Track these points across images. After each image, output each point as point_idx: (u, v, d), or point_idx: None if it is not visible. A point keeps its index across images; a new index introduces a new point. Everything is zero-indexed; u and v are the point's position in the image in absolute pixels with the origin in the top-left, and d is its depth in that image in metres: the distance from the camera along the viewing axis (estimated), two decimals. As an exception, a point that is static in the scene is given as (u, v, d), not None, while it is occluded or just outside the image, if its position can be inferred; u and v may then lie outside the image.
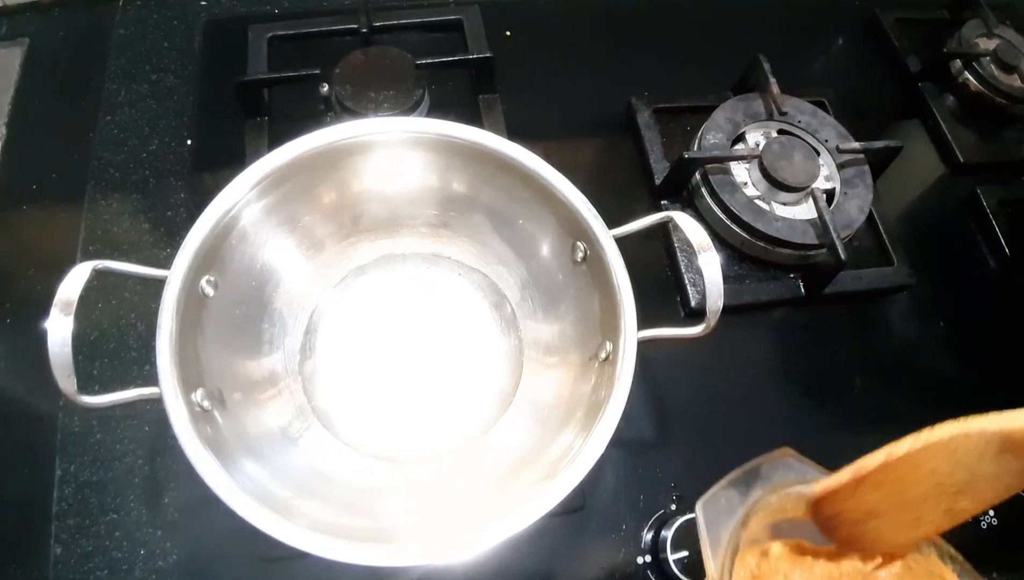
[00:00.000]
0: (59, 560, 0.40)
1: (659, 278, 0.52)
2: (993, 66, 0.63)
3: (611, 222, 0.40)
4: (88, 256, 0.33)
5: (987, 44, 0.64)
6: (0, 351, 0.46)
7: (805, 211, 0.53)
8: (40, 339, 0.32)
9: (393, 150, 0.42)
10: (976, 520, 0.47)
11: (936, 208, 0.60)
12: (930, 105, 0.63)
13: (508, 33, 0.61)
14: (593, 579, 0.42)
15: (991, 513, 0.47)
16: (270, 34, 0.57)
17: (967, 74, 0.64)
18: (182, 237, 0.36)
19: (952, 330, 0.55)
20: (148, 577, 0.40)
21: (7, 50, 0.56)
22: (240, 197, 0.37)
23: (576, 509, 0.43)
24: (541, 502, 0.32)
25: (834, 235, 0.49)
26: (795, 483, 0.33)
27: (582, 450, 0.33)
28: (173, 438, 0.41)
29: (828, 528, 0.31)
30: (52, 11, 0.59)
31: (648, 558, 0.42)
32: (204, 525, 0.41)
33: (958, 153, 0.61)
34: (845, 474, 0.30)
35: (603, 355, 0.38)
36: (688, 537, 0.41)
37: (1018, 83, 0.63)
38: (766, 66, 0.56)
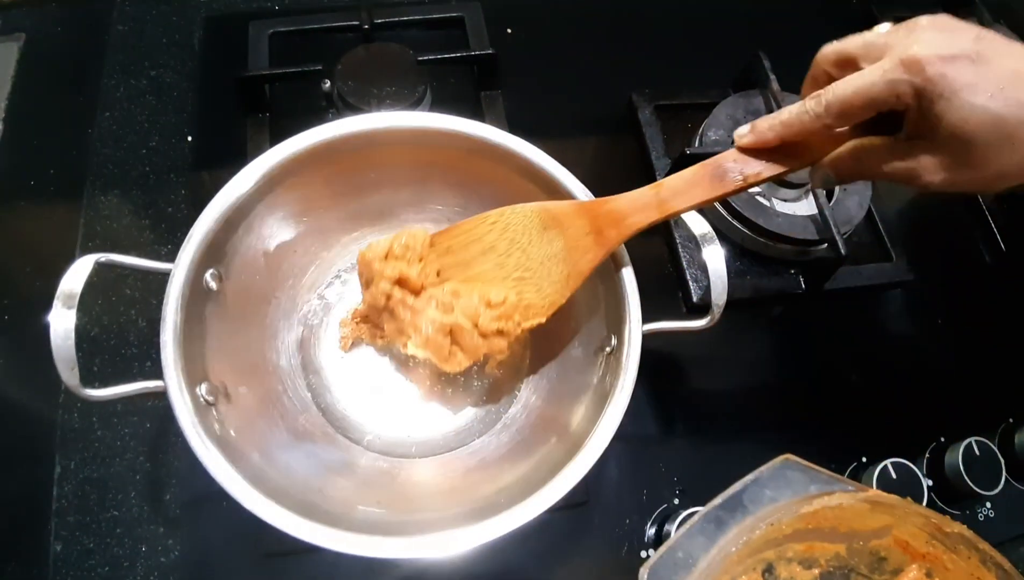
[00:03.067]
0: (59, 557, 0.39)
1: (661, 274, 0.53)
2: (989, 64, 0.63)
3: (614, 217, 0.40)
4: (87, 252, 0.33)
5: (983, 43, 0.65)
6: (-1, 348, 0.45)
7: (805, 207, 0.53)
8: (39, 335, 0.32)
9: (396, 146, 0.42)
10: (974, 511, 0.47)
11: (934, 204, 0.60)
12: (927, 103, 0.63)
13: (509, 30, 0.62)
14: (596, 574, 0.43)
15: (988, 505, 0.47)
16: (271, 30, 0.57)
17: (964, 72, 0.64)
18: (182, 234, 0.36)
19: (949, 324, 0.55)
20: (150, 574, 0.39)
21: (3, 45, 0.56)
22: (246, 190, 0.37)
23: (580, 503, 0.43)
24: (545, 496, 0.32)
25: (834, 231, 0.50)
26: (789, 506, 0.30)
27: (586, 444, 0.33)
28: (174, 434, 0.42)
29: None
30: (49, 6, 0.58)
31: (652, 552, 0.42)
32: (206, 521, 0.41)
33: (955, 150, 0.61)
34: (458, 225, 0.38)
35: (608, 348, 0.38)
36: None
37: (1013, 81, 0.63)
38: (766, 63, 0.56)
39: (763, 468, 0.32)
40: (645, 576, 0.30)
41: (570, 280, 0.37)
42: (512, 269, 0.37)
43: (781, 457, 0.32)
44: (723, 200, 0.52)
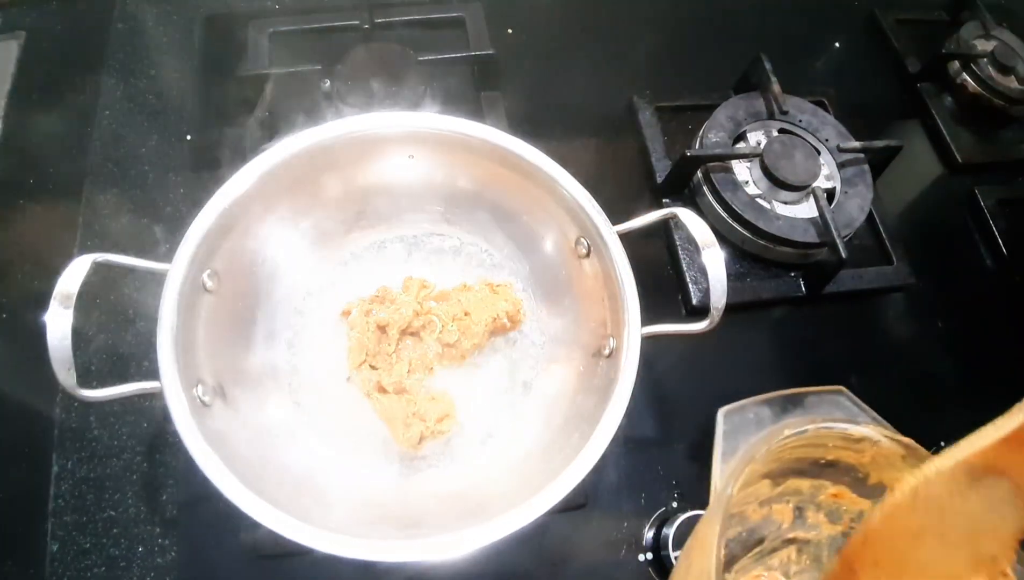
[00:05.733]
0: (56, 557, 0.39)
1: (661, 277, 0.52)
2: (991, 67, 0.63)
3: (613, 220, 0.40)
4: (86, 252, 0.33)
5: (985, 46, 0.65)
6: (-4, 346, 0.45)
7: (806, 210, 0.53)
8: (37, 335, 0.32)
9: (396, 146, 0.42)
10: None
11: (935, 208, 0.60)
12: (929, 106, 0.63)
13: (510, 30, 0.61)
14: (595, 576, 0.42)
15: None
16: (271, 29, 0.57)
17: (965, 75, 0.64)
18: (181, 233, 0.36)
19: (950, 328, 0.55)
20: (146, 574, 0.39)
21: (4, 43, 0.56)
22: (244, 190, 0.37)
23: (578, 506, 0.43)
24: (543, 499, 0.32)
25: (835, 234, 0.49)
26: (841, 421, 0.33)
27: (585, 446, 0.33)
28: (171, 434, 0.41)
29: None
30: (49, 4, 0.58)
31: (650, 555, 0.42)
32: (202, 522, 0.40)
33: (956, 153, 0.61)
34: (833, 562, 0.31)
35: (607, 351, 0.38)
36: (690, 535, 0.41)
37: (1015, 84, 0.63)
38: (767, 65, 0.56)
39: (819, 388, 0.34)
40: (721, 417, 0.32)
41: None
42: (954, 537, 0.28)
43: (836, 386, 0.34)
44: (726, 206, 0.52)
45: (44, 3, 0.58)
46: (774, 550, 0.37)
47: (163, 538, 0.40)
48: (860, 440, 0.33)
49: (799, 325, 0.53)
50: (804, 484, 0.35)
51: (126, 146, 0.53)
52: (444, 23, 0.59)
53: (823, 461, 0.33)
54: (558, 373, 0.43)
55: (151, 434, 0.43)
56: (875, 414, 0.33)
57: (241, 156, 0.51)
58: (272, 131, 0.53)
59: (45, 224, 0.50)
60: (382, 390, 0.41)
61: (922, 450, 0.33)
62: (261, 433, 0.37)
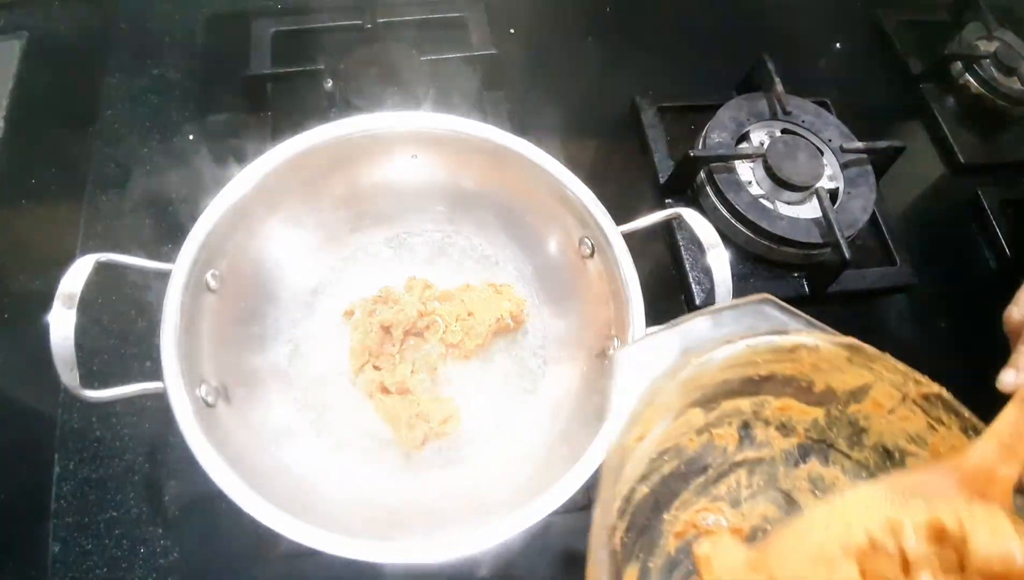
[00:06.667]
0: (58, 558, 0.39)
1: (664, 277, 0.52)
2: (993, 68, 0.63)
3: (616, 220, 0.40)
4: (88, 251, 0.33)
5: (987, 47, 0.65)
6: (-2, 347, 0.45)
7: (809, 210, 0.53)
8: (39, 335, 0.32)
9: (399, 146, 0.42)
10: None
11: (938, 209, 0.60)
12: (931, 107, 0.63)
13: (512, 30, 0.61)
14: (598, 578, 0.42)
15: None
16: (274, 29, 0.56)
17: (968, 76, 0.64)
18: (183, 233, 0.36)
19: (953, 330, 0.55)
20: (148, 575, 0.39)
21: (6, 43, 0.56)
22: (247, 190, 0.37)
23: (582, 508, 0.43)
24: (547, 500, 0.32)
25: (838, 234, 0.49)
26: (763, 333, 0.29)
27: (589, 447, 0.33)
28: (173, 435, 0.41)
29: None
30: (51, 5, 0.58)
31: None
32: (204, 523, 0.40)
33: (959, 154, 0.61)
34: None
35: (611, 351, 0.38)
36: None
37: (1017, 85, 0.63)
38: (770, 66, 0.56)
39: (741, 300, 0.30)
40: (621, 359, 0.28)
41: None
42: None
43: (760, 295, 0.30)
44: (729, 206, 0.52)
45: (47, 4, 0.58)
46: (721, 476, 0.33)
47: (165, 539, 0.40)
48: (794, 349, 0.30)
49: (802, 326, 0.53)
50: (743, 403, 0.32)
51: (128, 146, 0.53)
52: (447, 23, 0.59)
53: (757, 377, 0.30)
54: (562, 374, 0.42)
55: (153, 435, 0.43)
56: (809, 318, 0.30)
57: (244, 156, 0.51)
58: (275, 131, 0.53)
59: (47, 224, 0.50)
60: (385, 391, 0.41)
61: (868, 348, 0.30)
62: (264, 433, 0.37)
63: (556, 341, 0.44)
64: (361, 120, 0.40)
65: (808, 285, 0.52)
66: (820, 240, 0.51)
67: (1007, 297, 0.57)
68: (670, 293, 0.52)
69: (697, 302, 0.50)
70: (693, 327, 0.29)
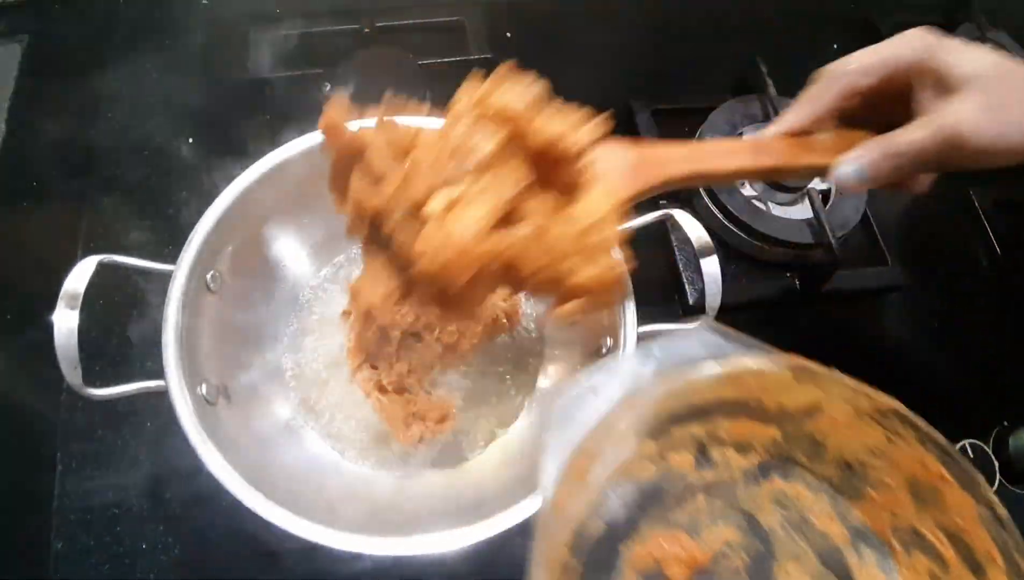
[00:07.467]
0: (60, 555, 0.40)
1: (658, 278, 0.53)
2: (985, 70, 0.64)
3: (610, 220, 0.40)
4: (89, 253, 0.33)
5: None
6: (1, 347, 0.46)
7: (801, 211, 0.53)
8: (41, 336, 0.32)
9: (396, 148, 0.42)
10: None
11: (929, 209, 0.61)
12: (923, 108, 0.64)
13: (509, 34, 0.62)
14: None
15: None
16: (273, 34, 0.57)
17: (960, 78, 0.64)
18: (183, 235, 0.36)
19: (945, 328, 0.55)
20: (149, 571, 0.40)
21: (6, 47, 0.57)
22: (247, 193, 0.38)
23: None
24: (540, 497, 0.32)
25: (829, 234, 0.50)
26: (697, 364, 0.28)
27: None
28: (174, 433, 0.42)
29: None
30: (52, 9, 0.59)
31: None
32: (205, 519, 0.41)
33: (951, 155, 0.62)
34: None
35: (604, 350, 0.38)
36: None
37: (1009, 87, 0.64)
38: (763, 68, 0.57)
39: (676, 326, 0.30)
40: (550, 402, 0.27)
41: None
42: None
43: (697, 319, 0.30)
44: (722, 207, 0.52)
45: (47, 7, 0.59)
46: (680, 502, 0.32)
47: (166, 535, 0.41)
48: (737, 376, 0.29)
49: (794, 325, 0.53)
50: (695, 428, 0.31)
51: (128, 149, 0.53)
52: (444, 27, 0.60)
53: (704, 403, 0.30)
54: (556, 372, 0.43)
55: (154, 433, 0.43)
56: (749, 338, 0.29)
57: (243, 159, 0.52)
58: (274, 134, 0.53)
59: (49, 226, 0.51)
60: (382, 389, 0.41)
61: (813, 366, 0.30)
62: (264, 431, 0.38)
63: (550, 340, 0.44)
64: (360, 123, 0.41)
65: (800, 285, 0.53)
66: (812, 240, 0.51)
67: (999, 296, 0.58)
68: (665, 293, 0.52)
69: (690, 302, 0.51)
70: (625, 366, 0.28)
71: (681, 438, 0.31)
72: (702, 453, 0.32)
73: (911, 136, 0.31)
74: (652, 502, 0.31)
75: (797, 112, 0.34)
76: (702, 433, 0.31)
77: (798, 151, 0.34)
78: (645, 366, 0.28)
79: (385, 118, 0.31)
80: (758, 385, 0.30)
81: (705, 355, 0.29)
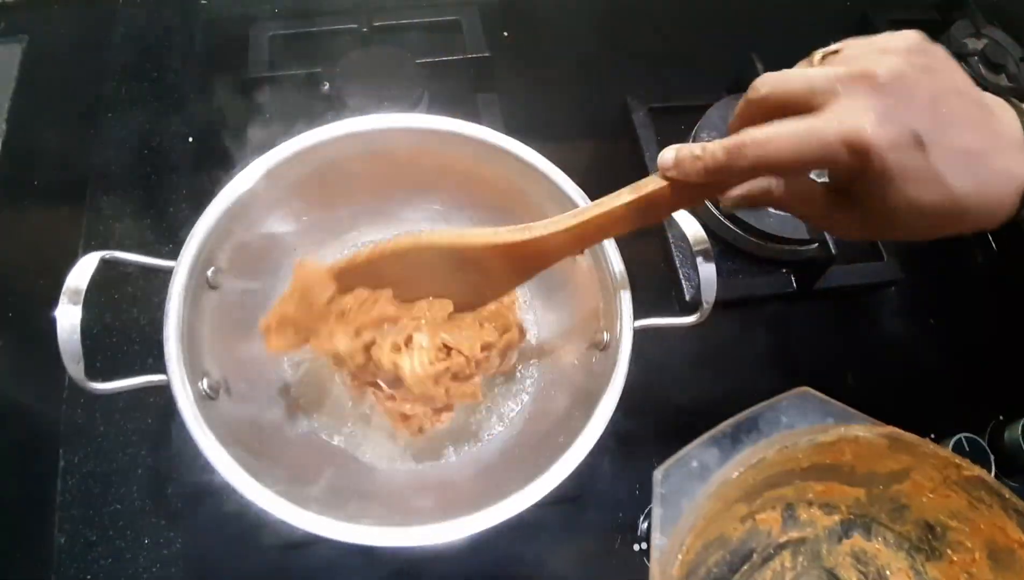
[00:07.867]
0: (63, 550, 0.40)
1: (655, 274, 0.53)
2: (981, 66, 0.64)
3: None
4: (90, 251, 0.33)
5: (976, 44, 0.66)
6: (3, 345, 0.46)
7: (797, 207, 0.54)
8: (43, 333, 0.33)
9: (394, 147, 0.43)
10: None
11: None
12: (919, 104, 0.64)
13: (506, 33, 0.62)
14: (589, 567, 0.43)
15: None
16: (271, 32, 0.57)
17: (955, 74, 0.65)
18: (183, 233, 0.37)
19: (940, 323, 0.56)
20: (151, 566, 0.40)
21: (7, 47, 0.57)
22: (246, 190, 0.38)
23: (573, 498, 0.44)
24: (537, 489, 0.33)
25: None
26: (804, 433, 0.29)
27: (578, 437, 0.34)
28: (176, 428, 0.42)
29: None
30: (52, 8, 0.59)
31: (644, 545, 0.43)
32: (207, 513, 0.41)
33: (946, 151, 0.62)
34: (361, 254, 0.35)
35: (601, 344, 0.39)
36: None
37: (1005, 82, 0.64)
38: (759, 66, 0.57)
39: (780, 396, 0.31)
40: (659, 477, 0.29)
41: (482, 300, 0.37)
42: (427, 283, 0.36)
43: (799, 388, 0.32)
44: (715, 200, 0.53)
45: (47, 7, 0.59)
46: (766, 560, 0.34)
47: (168, 530, 0.41)
48: (835, 443, 0.31)
49: (790, 321, 0.54)
50: (786, 491, 0.33)
51: (128, 148, 0.54)
52: (441, 26, 0.60)
53: (799, 470, 0.32)
54: (554, 365, 0.43)
55: (155, 429, 0.44)
56: (845, 407, 0.31)
57: (242, 157, 0.52)
58: (273, 132, 0.54)
59: (50, 224, 0.51)
60: (376, 386, 0.41)
61: (908, 436, 0.32)
62: (265, 425, 0.38)
63: (548, 333, 0.45)
64: (357, 122, 0.41)
65: (796, 281, 0.53)
66: (807, 236, 0.52)
67: (994, 291, 0.58)
68: (662, 289, 0.53)
69: (687, 297, 0.51)
70: (732, 434, 0.30)
71: (771, 498, 0.32)
72: (789, 512, 0.33)
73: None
74: (740, 560, 0.33)
75: (689, 173, 0.29)
76: (792, 495, 0.33)
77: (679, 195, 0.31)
78: (747, 439, 0.30)
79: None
80: (853, 452, 0.31)
81: (806, 424, 0.30)
